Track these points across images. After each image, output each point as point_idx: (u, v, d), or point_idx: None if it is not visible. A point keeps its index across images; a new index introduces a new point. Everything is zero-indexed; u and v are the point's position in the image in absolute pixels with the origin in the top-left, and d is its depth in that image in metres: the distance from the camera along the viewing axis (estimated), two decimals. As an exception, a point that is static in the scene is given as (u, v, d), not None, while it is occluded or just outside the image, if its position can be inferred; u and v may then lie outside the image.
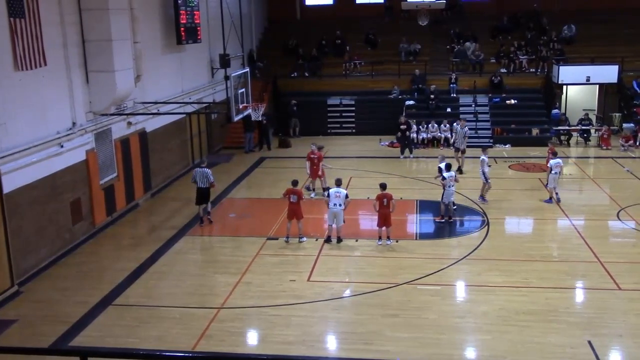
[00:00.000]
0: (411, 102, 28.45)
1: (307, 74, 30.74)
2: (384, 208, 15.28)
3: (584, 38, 30.59)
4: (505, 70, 29.64)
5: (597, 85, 28.50)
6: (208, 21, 24.29)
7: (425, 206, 18.39)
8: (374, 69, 30.30)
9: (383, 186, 15.66)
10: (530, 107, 28.27)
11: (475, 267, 14.05)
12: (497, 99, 28.32)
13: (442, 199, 17.08)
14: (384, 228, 15.39)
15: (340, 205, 15.33)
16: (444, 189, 16.95)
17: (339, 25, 32.57)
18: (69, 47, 15.48)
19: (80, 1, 15.83)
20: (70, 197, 15.49)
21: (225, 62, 21.01)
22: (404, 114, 26.47)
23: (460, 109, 28.07)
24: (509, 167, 22.77)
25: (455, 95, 28.83)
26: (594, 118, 27.80)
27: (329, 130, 28.91)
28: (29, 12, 13.51)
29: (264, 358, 9.94)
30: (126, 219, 17.99)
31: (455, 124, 24.44)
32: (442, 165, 17.53)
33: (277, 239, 15.90)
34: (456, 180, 17.53)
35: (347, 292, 12.97)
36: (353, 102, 29.49)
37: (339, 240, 15.54)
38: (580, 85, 28.48)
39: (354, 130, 28.96)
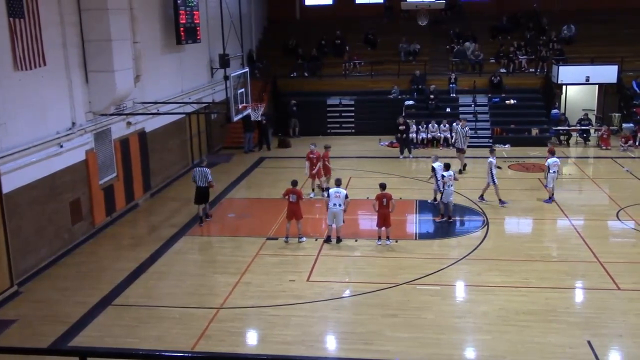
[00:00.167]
0: (411, 102, 28.46)
1: (306, 74, 30.74)
2: (384, 208, 15.28)
3: (584, 38, 30.60)
4: (505, 70, 29.65)
5: (597, 86, 28.50)
6: (207, 21, 24.29)
7: (424, 206, 18.39)
8: (374, 69, 30.30)
9: (383, 186, 15.65)
10: (530, 107, 28.28)
11: (475, 267, 14.05)
12: (496, 99, 28.33)
13: (441, 198, 17.10)
14: (383, 228, 15.38)
15: (339, 205, 15.32)
16: (443, 188, 16.95)
17: (338, 25, 32.58)
18: (69, 47, 15.48)
19: (79, 1, 15.83)
20: (70, 197, 15.49)
21: (224, 62, 20.99)
22: (403, 114, 26.48)
23: (460, 109, 28.07)
24: (509, 167, 22.76)
25: (454, 95, 28.85)
26: (593, 118, 27.81)
27: (328, 131, 28.89)
28: (28, 12, 13.50)
29: (263, 358, 9.94)
30: (126, 219, 17.98)
31: (454, 124, 24.48)
32: (436, 165, 17.70)
33: (276, 239, 15.90)
34: (455, 179, 17.53)
35: (347, 292, 12.96)
36: (353, 102, 29.49)
37: (339, 240, 15.54)
38: (579, 86, 28.48)
39: (353, 130, 28.96)
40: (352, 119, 29.29)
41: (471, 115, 27.29)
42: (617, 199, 18.63)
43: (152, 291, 13.36)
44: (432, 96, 28.05)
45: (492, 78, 28.87)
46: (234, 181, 21.76)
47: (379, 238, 15.46)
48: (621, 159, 23.58)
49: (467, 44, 30.66)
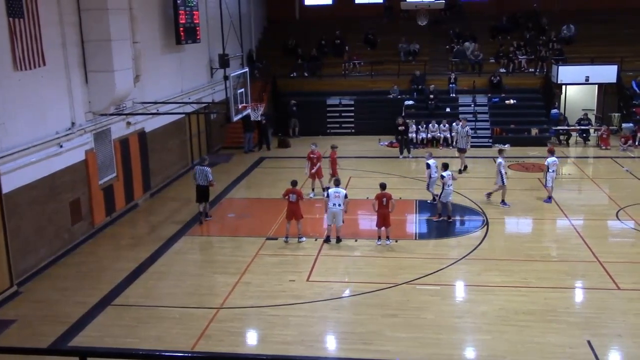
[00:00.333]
0: (410, 102, 28.46)
1: (306, 74, 30.74)
2: (383, 208, 15.28)
3: (584, 38, 30.60)
4: (505, 70, 29.65)
5: (597, 85, 28.51)
6: (207, 21, 24.29)
7: (424, 206, 18.39)
8: (374, 69, 30.30)
9: (383, 186, 15.65)
10: (530, 107, 28.28)
11: (474, 267, 14.05)
12: (496, 99, 28.33)
13: (440, 198, 17.10)
14: (383, 228, 15.38)
15: (339, 205, 15.32)
16: (443, 189, 16.97)
17: (338, 25, 32.59)
18: (68, 47, 15.47)
19: (79, 1, 15.82)
20: (70, 197, 15.49)
21: (224, 62, 20.99)
22: (402, 115, 26.49)
23: (460, 109, 28.08)
24: (509, 167, 22.71)
25: (454, 95, 28.85)
26: (593, 118, 27.82)
27: (328, 130, 28.89)
28: (28, 12, 13.49)
29: (263, 358, 9.94)
30: (125, 219, 17.98)
31: (454, 124, 24.48)
32: (430, 162, 17.92)
33: (276, 239, 15.90)
34: (454, 178, 17.56)
35: (347, 292, 12.96)
36: (352, 102, 29.49)
37: (338, 240, 15.54)
38: (579, 85, 28.49)
39: (353, 130, 28.95)
40: (352, 119, 29.29)
41: (471, 115, 27.29)
42: (616, 198, 18.63)
43: (152, 291, 13.35)
44: (431, 96, 28.06)
45: (492, 78, 28.88)
46: (233, 181, 21.76)
47: (379, 238, 15.46)
48: (621, 159, 23.59)
49: (466, 44, 30.66)
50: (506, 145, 25.82)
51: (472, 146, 23.18)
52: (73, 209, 15.60)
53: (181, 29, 21.21)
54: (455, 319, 11.74)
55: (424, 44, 31.62)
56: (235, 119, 18.87)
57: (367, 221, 16.93)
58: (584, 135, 26.37)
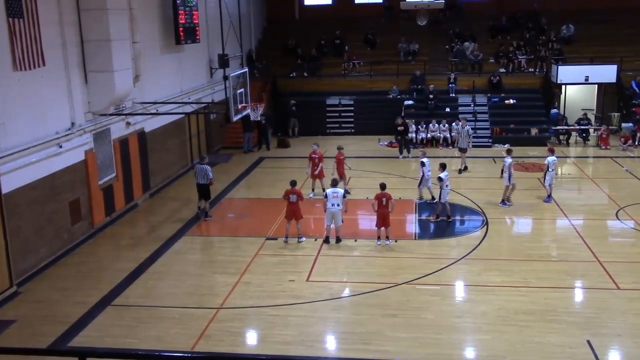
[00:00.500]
0: (410, 102, 28.46)
1: (306, 74, 30.74)
2: (383, 208, 15.28)
3: (584, 38, 30.61)
4: (504, 70, 29.65)
5: (596, 85, 28.51)
6: (207, 21, 24.28)
7: (424, 206, 18.39)
8: (373, 69, 30.30)
9: (382, 186, 15.65)
10: (529, 107, 28.29)
11: (474, 267, 14.05)
12: (496, 99, 28.33)
13: (439, 198, 17.10)
14: (383, 228, 15.38)
15: (338, 205, 15.32)
16: (440, 189, 16.97)
17: (338, 25, 32.59)
18: (68, 47, 15.46)
19: (79, 1, 15.81)
20: (69, 197, 15.48)
21: (224, 62, 20.99)
22: (402, 115, 26.49)
23: (459, 108, 28.07)
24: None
25: (454, 95, 28.85)
26: (592, 118, 27.82)
27: (328, 130, 28.89)
28: (27, 12, 13.49)
29: (263, 358, 9.95)
30: (125, 219, 17.98)
31: (454, 124, 24.47)
32: (425, 160, 18.09)
33: (276, 239, 15.89)
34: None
35: (346, 292, 12.97)
36: (352, 102, 29.49)
37: (338, 240, 15.54)
38: (579, 85, 28.49)
39: (352, 130, 28.94)
40: (352, 119, 29.28)
41: (470, 115, 27.28)
42: (616, 198, 18.63)
43: (152, 291, 13.35)
44: (431, 96, 28.06)
45: (492, 78, 28.88)
46: (233, 181, 21.76)
47: (379, 238, 15.46)
48: (620, 159, 23.59)
49: (466, 43, 30.66)
50: (506, 145, 25.85)
51: (472, 146, 23.16)
52: (73, 209, 15.59)
53: (181, 29, 21.20)
54: (455, 319, 11.74)
55: (424, 44, 31.62)
56: (235, 119, 18.86)
57: (367, 221, 16.93)
58: (584, 135, 26.38)
